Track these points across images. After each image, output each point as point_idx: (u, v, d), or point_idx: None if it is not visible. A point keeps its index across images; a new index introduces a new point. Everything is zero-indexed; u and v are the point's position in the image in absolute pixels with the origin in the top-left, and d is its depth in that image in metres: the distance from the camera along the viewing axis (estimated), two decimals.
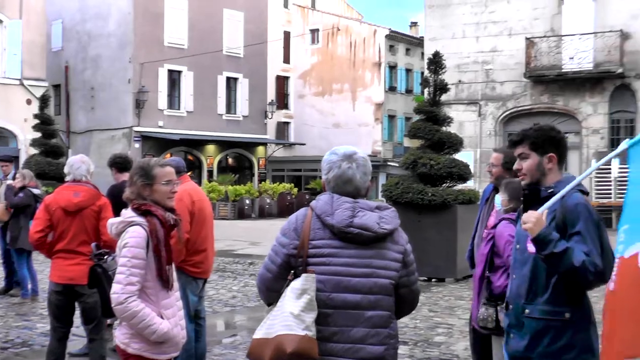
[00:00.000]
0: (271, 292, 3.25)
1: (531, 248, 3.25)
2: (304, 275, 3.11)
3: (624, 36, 23.44)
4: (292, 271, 3.16)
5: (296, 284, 3.10)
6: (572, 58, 23.89)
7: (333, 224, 3.14)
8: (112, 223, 3.80)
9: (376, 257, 3.17)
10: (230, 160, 40.76)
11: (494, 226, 4.77)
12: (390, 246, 3.21)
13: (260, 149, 41.29)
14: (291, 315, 3.05)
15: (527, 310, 3.32)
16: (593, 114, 24.12)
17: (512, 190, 4.78)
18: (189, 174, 6.38)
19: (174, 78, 36.47)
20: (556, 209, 3.23)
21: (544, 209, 3.19)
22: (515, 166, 3.46)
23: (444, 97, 13.83)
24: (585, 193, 3.35)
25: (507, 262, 4.55)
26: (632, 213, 3.31)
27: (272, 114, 41.42)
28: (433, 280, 11.96)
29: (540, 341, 3.28)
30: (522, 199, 3.43)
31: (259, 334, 3.13)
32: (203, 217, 5.71)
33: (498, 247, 4.67)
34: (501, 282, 4.60)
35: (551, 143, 3.39)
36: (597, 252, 3.15)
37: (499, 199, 4.95)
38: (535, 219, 3.14)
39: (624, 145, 3.34)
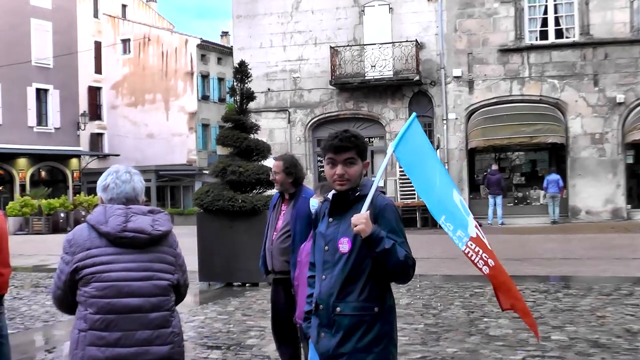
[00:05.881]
0: (66, 307, 3.41)
1: (343, 248, 3.36)
2: None
3: (419, 46, 25.01)
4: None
5: None
6: (374, 66, 25.07)
7: (108, 231, 3.28)
8: None
9: (155, 261, 3.35)
10: (43, 174, 39.47)
11: None
12: (167, 249, 3.42)
13: (74, 161, 40.10)
14: None
15: (338, 309, 3.36)
16: (395, 119, 25.50)
17: (328, 192, 5.02)
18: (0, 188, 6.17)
19: None
20: (367, 210, 3.32)
21: (365, 210, 3.28)
22: (338, 171, 3.40)
23: (254, 105, 14.10)
24: (383, 193, 3.53)
25: None
26: (438, 205, 3.50)
27: (84, 126, 40.43)
28: (247, 285, 12.17)
29: (352, 337, 3.34)
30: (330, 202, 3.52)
31: None
32: None
33: None
34: None
35: (366, 151, 3.54)
36: (408, 247, 3.36)
37: (316, 201, 5.07)
38: (365, 219, 3.23)
39: (390, 149, 3.48)
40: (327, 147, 3.45)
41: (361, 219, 3.24)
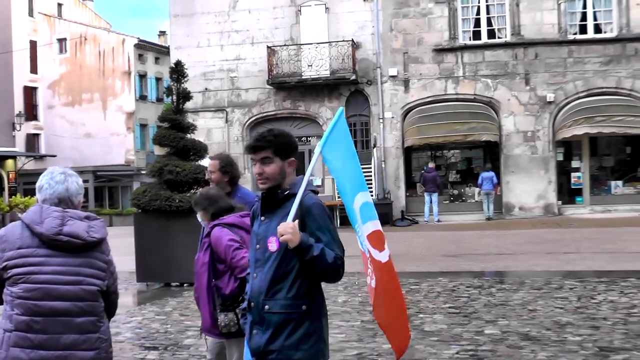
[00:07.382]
0: None
1: (271, 247, 3.38)
2: None
3: (355, 45, 25.22)
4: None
5: None
6: (311, 65, 25.16)
7: (42, 232, 3.27)
8: None
9: (85, 265, 3.35)
10: None
11: (208, 234, 4.82)
12: (98, 255, 3.42)
13: (10, 162, 39.22)
14: None
15: (267, 306, 3.42)
16: (332, 118, 25.55)
17: (199, 203, 4.97)
18: None
19: None
20: (294, 218, 3.35)
21: (293, 215, 3.30)
22: (256, 170, 3.49)
23: (191, 105, 13.97)
24: (315, 192, 3.57)
25: (231, 265, 4.63)
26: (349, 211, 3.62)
27: (20, 126, 39.67)
28: (185, 285, 12.11)
29: (281, 334, 3.40)
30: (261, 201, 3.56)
31: None
32: None
33: (219, 253, 4.71)
34: (231, 286, 4.67)
35: (292, 148, 3.55)
36: (337, 245, 3.42)
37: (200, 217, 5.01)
38: (292, 229, 3.24)
39: (318, 149, 3.53)
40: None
41: (288, 229, 3.26)
